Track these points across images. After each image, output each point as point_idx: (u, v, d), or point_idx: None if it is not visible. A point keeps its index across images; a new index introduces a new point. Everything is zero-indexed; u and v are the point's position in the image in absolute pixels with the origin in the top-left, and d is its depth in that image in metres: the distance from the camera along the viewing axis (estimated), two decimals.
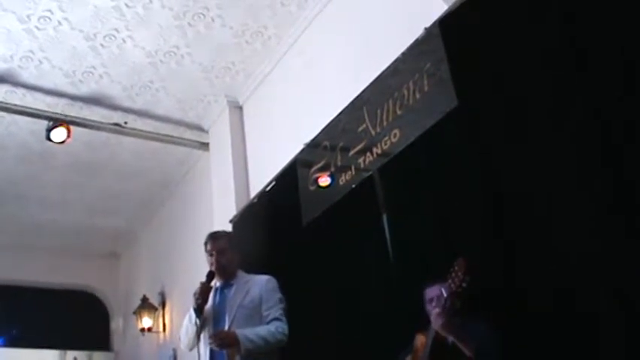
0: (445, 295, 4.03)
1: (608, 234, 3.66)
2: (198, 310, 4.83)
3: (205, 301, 4.87)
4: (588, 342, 3.68)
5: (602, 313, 3.65)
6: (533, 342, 3.96)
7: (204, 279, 4.93)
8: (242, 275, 5.06)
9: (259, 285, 4.93)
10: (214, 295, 4.98)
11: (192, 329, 4.85)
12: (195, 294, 4.84)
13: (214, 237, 5.16)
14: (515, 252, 4.21)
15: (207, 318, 4.89)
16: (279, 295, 4.93)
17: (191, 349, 4.94)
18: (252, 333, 4.62)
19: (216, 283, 5.03)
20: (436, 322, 4.11)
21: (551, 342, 3.88)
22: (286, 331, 4.75)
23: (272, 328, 4.71)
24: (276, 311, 4.81)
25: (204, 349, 4.81)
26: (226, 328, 4.75)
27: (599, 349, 3.64)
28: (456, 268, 3.94)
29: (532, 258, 4.07)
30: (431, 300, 4.41)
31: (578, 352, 3.72)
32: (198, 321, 4.82)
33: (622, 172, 3.63)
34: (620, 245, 3.59)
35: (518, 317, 4.06)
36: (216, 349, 4.69)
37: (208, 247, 5.08)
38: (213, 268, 4.99)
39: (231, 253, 5.07)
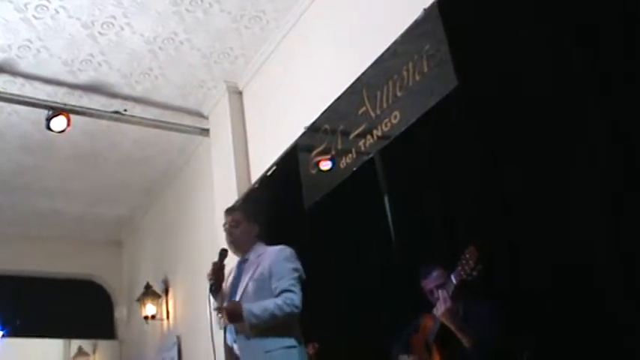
0: (455, 282, 4.03)
1: (616, 215, 3.67)
2: (213, 290, 4.66)
3: (219, 279, 4.69)
4: (596, 326, 3.70)
5: (609, 296, 3.67)
6: (534, 325, 3.98)
7: (210, 263, 4.77)
8: (258, 248, 4.78)
9: (270, 256, 4.62)
10: (234, 271, 4.81)
11: (211, 309, 4.64)
12: (208, 275, 4.69)
13: (228, 210, 4.98)
14: (517, 232, 4.22)
15: (226, 295, 4.69)
16: (291, 264, 4.57)
17: (220, 329, 4.65)
18: (258, 307, 4.33)
19: (238, 257, 4.85)
20: (440, 309, 4.12)
21: (555, 326, 3.89)
22: (296, 302, 4.39)
23: (279, 300, 4.36)
24: (286, 282, 4.45)
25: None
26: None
27: (608, 334, 3.66)
28: (467, 256, 3.93)
29: (533, 239, 4.08)
30: (431, 291, 4.43)
31: (585, 335, 3.73)
32: (214, 300, 4.63)
33: (635, 153, 3.64)
34: (630, 228, 3.60)
35: (521, 300, 4.08)
36: (224, 323, 4.53)
37: (223, 221, 4.91)
38: (227, 242, 4.81)
39: (246, 225, 4.81)
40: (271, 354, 4.29)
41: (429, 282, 4.52)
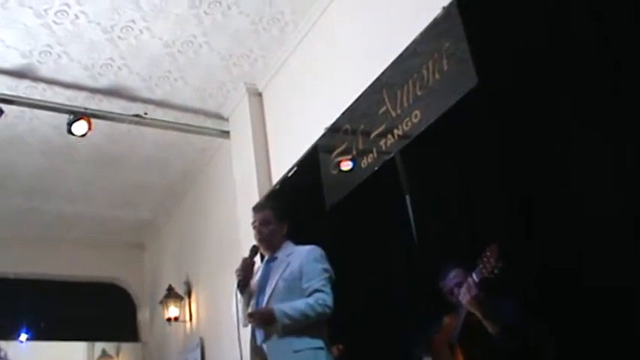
0: (476, 280, 4.02)
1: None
2: (241, 286, 4.61)
3: (247, 276, 4.66)
4: (619, 318, 3.68)
5: (633, 289, 3.64)
6: (557, 320, 3.96)
7: (233, 264, 4.76)
8: (287, 247, 4.76)
9: (300, 256, 4.58)
10: (262, 269, 4.76)
11: (238, 306, 4.61)
12: (237, 270, 4.65)
13: (257, 208, 4.96)
14: (540, 232, 4.20)
15: (254, 292, 4.65)
16: (322, 265, 4.54)
17: (245, 326, 4.58)
18: (290, 307, 4.30)
19: (265, 256, 4.83)
20: (466, 297, 4.11)
21: (578, 320, 3.87)
22: (329, 302, 4.36)
23: (311, 300, 4.33)
24: (318, 282, 4.42)
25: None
26: (265, 302, 4.48)
27: (630, 325, 3.63)
28: (488, 254, 3.92)
29: (557, 236, 4.06)
30: (451, 291, 4.44)
31: (608, 329, 3.71)
32: (241, 297, 4.60)
33: None
34: None
35: (545, 297, 4.07)
36: (256, 327, 4.45)
37: (252, 219, 4.87)
38: (256, 241, 4.79)
39: (276, 223, 4.80)
40: (300, 354, 4.25)
41: (448, 282, 4.53)
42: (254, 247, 4.79)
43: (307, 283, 4.44)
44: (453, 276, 4.52)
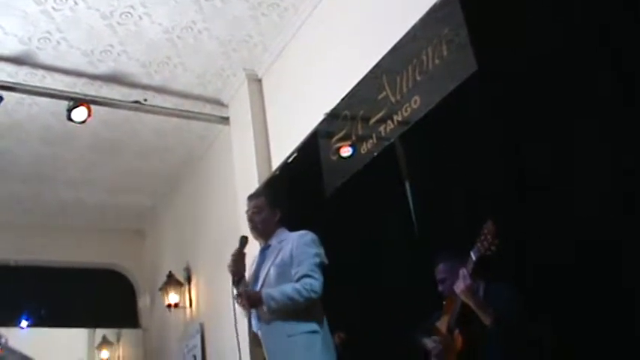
0: (474, 258, 4.04)
1: (633, 194, 3.65)
2: (236, 280, 4.59)
3: (240, 269, 4.62)
4: (614, 305, 3.69)
5: (626, 275, 3.65)
6: (554, 305, 3.97)
7: (232, 250, 4.71)
8: (281, 233, 4.74)
9: (291, 242, 4.57)
10: (257, 258, 4.76)
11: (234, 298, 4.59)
12: (228, 266, 4.62)
13: (250, 197, 4.91)
14: (539, 217, 4.21)
15: (249, 283, 4.64)
16: (312, 249, 4.52)
17: (246, 316, 4.60)
18: (277, 291, 4.31)
19: (261, 244, 4.83)
20: (460, 286, 4.13)
21: (573, 304, 3.89)
22: (315, 287, 4.34)
23: (298, 285, 4.31)
24: (306, 267, 4.40)
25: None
26: (257, 289, 4.48)
27: (625, 311, 3.65)
28: (486, 231, 3.94)
29: (556, 223, 4.06)
30: (442, 280, 4.47)
31: (603, 314, 3.72)
32: (235, 289, 4.57)
33: None
34: None
35: (541, 284, 4.08)
36: (243, 309, 4.51)
37: (246, 208, 4.86)
38: (249, 229, 4.77)
39: (268, 211, 4.78)
40: (293, 338, 4.27)
41: (443, 270, 4.57)
42: (243, 237, 4.75)
43: (296, 268, 4.44)
44: (439, 270, 4.58)
